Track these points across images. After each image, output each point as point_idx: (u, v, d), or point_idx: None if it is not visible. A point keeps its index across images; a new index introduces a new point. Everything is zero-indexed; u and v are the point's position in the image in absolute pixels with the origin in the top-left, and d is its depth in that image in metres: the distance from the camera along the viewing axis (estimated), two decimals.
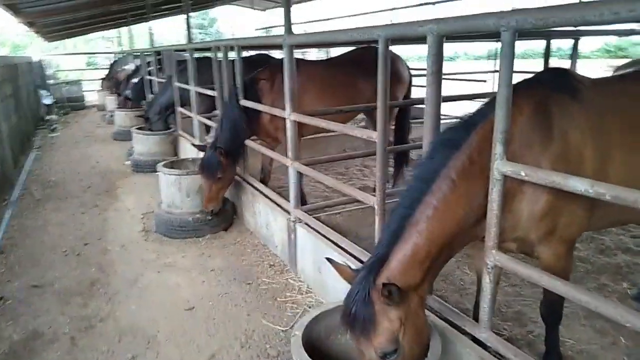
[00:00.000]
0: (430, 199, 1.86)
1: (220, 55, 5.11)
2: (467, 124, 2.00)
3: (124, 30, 16.05)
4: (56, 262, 4.31)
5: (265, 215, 4.40)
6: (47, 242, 4.77)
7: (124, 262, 4.27)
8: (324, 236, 3.42)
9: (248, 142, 4.86)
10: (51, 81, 16.28)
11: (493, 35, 6.05)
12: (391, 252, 1.85)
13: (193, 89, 6.34)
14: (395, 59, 5.39)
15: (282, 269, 4.00)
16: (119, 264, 4.22)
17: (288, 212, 4.01)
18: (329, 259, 2.19)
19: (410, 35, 2.30)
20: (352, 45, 6.10)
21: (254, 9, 18.66)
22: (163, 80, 8.72)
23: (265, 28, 20.57)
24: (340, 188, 3.23)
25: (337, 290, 3.21)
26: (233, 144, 4.70)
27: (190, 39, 6.27)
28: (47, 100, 13.82)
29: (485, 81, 9.20)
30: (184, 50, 7.12)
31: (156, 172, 7.34)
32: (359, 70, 5.03)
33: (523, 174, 1.75)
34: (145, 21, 10.68)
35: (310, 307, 3.37)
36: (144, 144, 7.52)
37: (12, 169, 6.87)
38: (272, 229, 4.28)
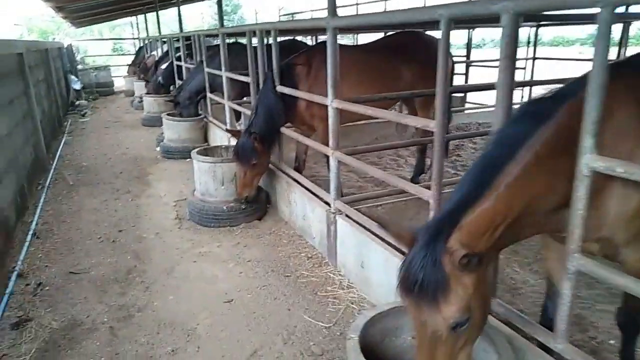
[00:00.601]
0: (513, 167, 1.67)
1: (255, 40, 4.96)
2: (555, 98, 1.80)
3: (148, 16, 16.02)
4: (92, 248, 4.28)
5: (302, 206, 4.28)
6: (82, 229, 4.75)
7: (160, 250, 4.21)
8: (366, 229, 3.27)
9: (282, 130, 4.72)
10: (80, 66, 16.42)
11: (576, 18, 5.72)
12: (463, 214, 1.67)
13: (225, 74, 6.22)
14: (434, 43, 5.16)
15: (321, 261, 3.87)
16: (154, 252, 4.16)
17: (327, 204, 3.87)
18: (378, 221, 1.94)
19: (480, 14, 2.10)
20: (402, 28, 5.83)
21: None
22: (192, 66, 8.64)
23: (291, 14, 20.33)
24: (389, 180, 3.07)
25: (382, 286, 3.08)
26: (268, 130, 4.57)
27: (222, 24, 6.13)
28: (77, 86, 13.95)
29: (524, 68, 8.84)
30: (215, 35, 6.99)
31: (186, 159, 7.40)
32: (398, 55, 4.83)
33: (620, 170, 1.55)
34: (174, 6, 10.58)
35: (352, 303, 3.25)
36: (174, 130, 7.47)
37: (45, 154, 6.89)
38: (309, 220, 4.15)
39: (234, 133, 5.06)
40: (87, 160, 7.50)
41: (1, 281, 3.60)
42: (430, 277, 1.59)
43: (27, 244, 4.34)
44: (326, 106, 4.19)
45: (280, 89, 4.45)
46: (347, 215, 3.61)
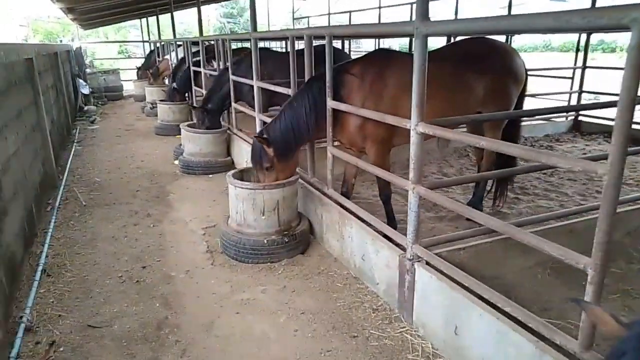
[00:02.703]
0: None
1: (299, 45, 4.33)
2: None
3: (156, 18, 15.46)
4: (113, 291, 3.63)
5: (360, 244, 3.62)
6: (99, 263, 4.10)
7: (193, 295, 3.56)
8: (465, 288, 2.62)
9: (332, 150, 4.07)
10: (88, 70, 15.84)
11: None
12: None
13: (256, 84, 5.58)
14: (510, 53, 4.52)
15: (390, 316, 3.21)
16: (187, 299, 3.51)
17: (398, 246, 3.22)
18: (576, 300, 1.57)
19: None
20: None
21: None
22: (212, 72, 8.03)
23: (304, 17, 19.75)
24: (515, 235, 2.38)
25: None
26: (284, 140, 4.06)
27: (255, 27, 5.49)
28: (85, 90, 13.35)
29: (571, 78, 8.18)
30: (247, 40, 6.35)
31: (208, 174, 6.76)
32: (469, 65, 4.16)
33: None
34: (192, 6, 9.97)
35: None
36: (196, 143, 6.83)
37: (54, 169, 6.26)
38: (370, 262, 3.50)
39: (251, 135, 4.58)
40: (100, 175, 6.86)
41: (6, 338, 2.95)
42: None
43: (36, 283, 3.69)
44: (382, 125, 3.59)
45: (335, 104, 3.80)
46: (427, 263, 2.96)
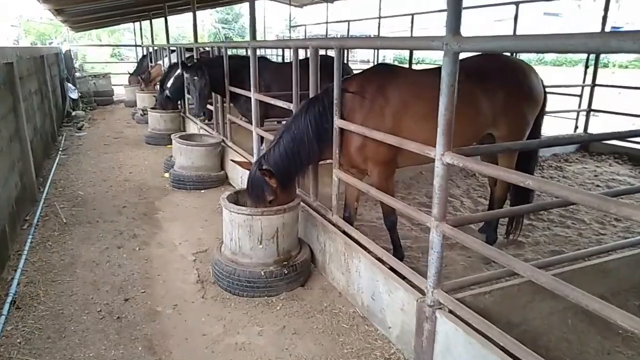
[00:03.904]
0: None
1: (302, 55, 3.97)
2: None
3: (147, 23, 15.07)
4: (90, 330, 3.21)
5: (370, 281, 3.24)
6: (77, 294, 3.67)
7: (181, 336, 3.15)
8: (498, 346, 2.25)
9: (338, 174, 3.70)
10: (78, 74, 15.36)
11: None
12: None
13: (254, 96, 5.20)
14: (525, 70, 4.18)
15: None
16: (174, 341, 3.10)
17: (413, 286, 2.85)
18: None
19: None
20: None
21: (292, 5, 17.48)
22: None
23: (300, 25, 19.47)
24: (561, 290, 2.02)
25: None
26: (286, 167, 3.69)
27: (254, 36, 5.13)
28: (74, 95, 12.90)
29: (579, 96, 7.90)
30: (243, 48, 6.00)
31: (201, 190, 6.35)
32: (478, 82, 3.82)
33: None
34: (187, 11, 9.59)
35: None
36: (188, 156, 6.42)
37: (34, 182, 5.82)
38: (382, 302, 3.12)
39: (243, 165, 4.14)
40: (84, 188, 6.42)
41: None
42: None
43: (2, 318, 3.26)
44: (384, 145, 3.25)
45: (343, 124, 3.44)
46: (450, 311, 2.59)
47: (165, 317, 3.38)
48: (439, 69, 4.57)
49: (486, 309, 2.85)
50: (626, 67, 36.03)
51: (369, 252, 3.37)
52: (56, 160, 7.78)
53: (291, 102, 4.54)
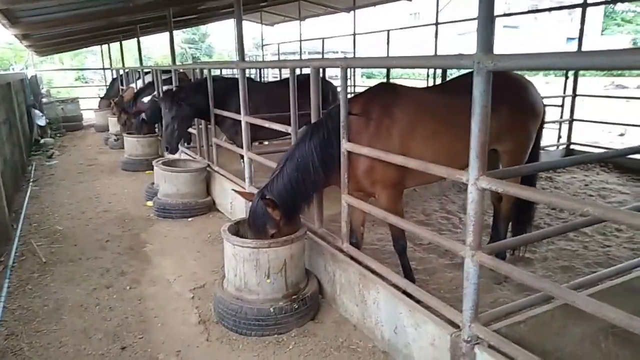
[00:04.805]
0: None
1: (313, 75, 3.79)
2: None
3: (116, 45, 14.67)
4: None
5: (391, 314, 3.04)
6: (66, 345, 3.32)
7: None
8: None
9: (347, 199, 3.51)
10: (44, 100, 14.77)
11: None
12: None
13: (244, 119, 4.98)
14: (525, 84, 4.13)
15: None
16: None
17: (445, 320, 2.67)
18: None
19: None
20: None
21: (263, 24, 17.37)
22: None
23: (271, 44, 19.33)
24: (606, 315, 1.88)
25: None
26: (290, 197, 3.49)
27: (243, 57, 4.92)
28: (41, 122, 12.33)
29: (561, 106, 7.99)
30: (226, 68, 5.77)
31: (187, 218, 6.04)
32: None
33: None
34: (163, 31, 9.34)
35: None
36: (172, 183, 6.11)
37: (6, 218, 5.40)
38: (407, 337, 2.92)
39: (245, 195, 3.91)
40: (61, 221, 6.01)
41: None
42: None
43: None
44: (393, 167, 3.13)
45: (351, 147, 3.27)
46: (490, 346, 2.41)
47: None
48: (441, 85, 4.49)
49: (522, 339, 2.68)
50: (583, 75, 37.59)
51: (386, 280, 3.18)
52: (28, 192, 7.31)
53: (284, 123, 4.36)
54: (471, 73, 4.27)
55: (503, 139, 3.87)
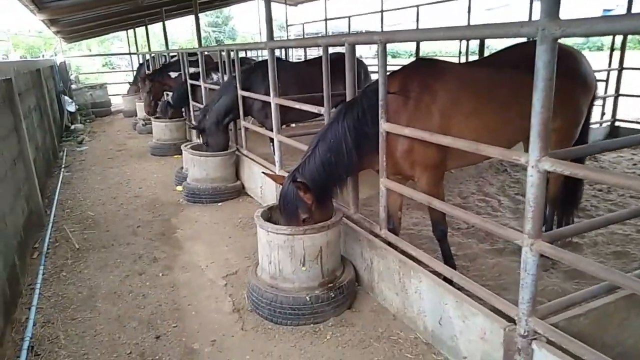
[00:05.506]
0: None
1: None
2: None
3: (142, 30, 14.62)
4: None
5: (436, 304, 2.87)
6: (101, 333, 3.28)
7: None
8: None
9: (386, 182, 3.33)
10: (74, 86, 14.93)
11: None
12: None
13: (274, 100, 4.82)
14: (577, 56, 3.81)
15: None
16: None
17: (497, 313, 2.48)
18: None
19: None
20: None
21: (287, 4, 17.06)
22: (212, 86, 7.26)
23: (297, 24, 18.98)
24: None
25: None
26: (323, 180, 3.31)
27: (272, 36, 4.74)
28: (71, 108, 12.47)
29: (605, 81, 7.52)
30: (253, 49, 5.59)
31: (217, 202, 5.96)
32: (526, 71, 3.44)
33: None
34: (189, 14, 9.20)
35: None
36: (202, 167, 6.03)
37: (40, 205, 5.42)
38: (453, 329, 2.74)
39: (275, 178, 3.74)
40: (93, 207, 6.02)
41: None
42: None
43: None
44: (434, 147, 2.92)
45: (391, 127, 3.07)
46: (549, 342, 2.21)
47: (205, 356, 3.00)
48: (483, 59, 4.22)
49: (580, 333, 2.47)
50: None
51: (428, 268, 3.00)
52: (60, 178, 7.38)
53: (316, 104, 4.17)
54: (514, 46, 4.01)
55: (553, 115, 3.59)
